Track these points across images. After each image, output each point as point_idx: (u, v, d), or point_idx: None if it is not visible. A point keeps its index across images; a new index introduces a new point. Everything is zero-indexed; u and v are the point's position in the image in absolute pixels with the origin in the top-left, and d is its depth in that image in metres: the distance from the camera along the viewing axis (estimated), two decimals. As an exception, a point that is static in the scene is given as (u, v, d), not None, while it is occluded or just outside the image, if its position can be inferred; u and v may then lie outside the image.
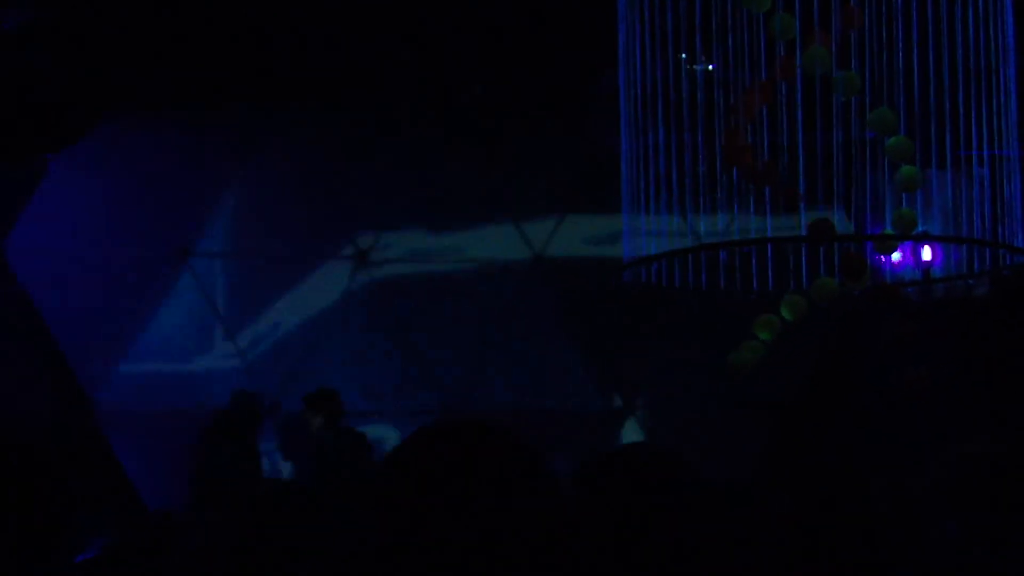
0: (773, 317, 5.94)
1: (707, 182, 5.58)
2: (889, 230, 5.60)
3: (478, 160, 10.44)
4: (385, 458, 2.10)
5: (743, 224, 5.63)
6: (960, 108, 5.37)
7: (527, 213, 10.77)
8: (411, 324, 10.52)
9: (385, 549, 2.01)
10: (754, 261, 5.65)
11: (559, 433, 9.62)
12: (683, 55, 5.49)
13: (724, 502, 2.33)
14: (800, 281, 5.74)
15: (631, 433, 10.61)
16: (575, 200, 10.63)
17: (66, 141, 8.67)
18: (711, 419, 9.76)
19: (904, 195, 5.54)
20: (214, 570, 3.15)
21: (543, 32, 8.97)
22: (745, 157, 5.49)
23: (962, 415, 8.12)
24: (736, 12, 5.38)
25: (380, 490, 2.04)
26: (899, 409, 7.74)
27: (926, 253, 8.00)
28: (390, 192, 10.56)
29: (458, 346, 10.57)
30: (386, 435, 9.67)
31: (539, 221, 10.74)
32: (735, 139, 5.51)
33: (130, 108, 9.47)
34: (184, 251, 10.50)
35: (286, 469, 9.41)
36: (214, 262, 10.65)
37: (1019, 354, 8.87)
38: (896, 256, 7.11)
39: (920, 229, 5.62)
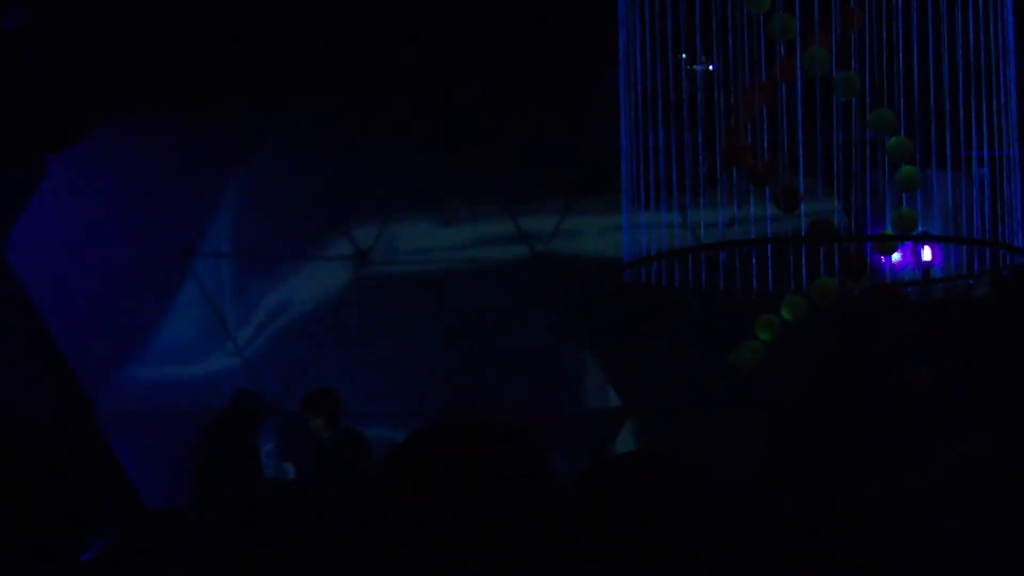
0: (773, 317, 5.94)
1: (707, 182, 5.58)
2: (889, 230, 5.60)
3: (478, 160, 10.44)
4: (385, 458, 2.10)
5: (743, 224, 5.63)
6: (960, 108, 5.37)
7: (527, 213, 10.76)
8: (411, 324, 10.52)
9: (385, 549, 2.01)
10: (754, 261, 5.64)
11: (559, 433, 9.63)
12: (683, 55, 5.49)
13: (724, 502, 2.33)
14: (800, 281, 5.74)
15: (631, 433, 10.61)
16: (575, 200, 10.63)
17: (66, 141, 8.67)
18: (711, 419, 9.75)
19: (904, 195, 5.54)
20: (214, 570, 3.15)
21: (543, 32, 8.97)
22: (745, 157, 5.49)
23: (962, 415, 8.12)
24: (736, 12, 5.38)
25: (380, 490, 2.03)
26: (899, 409, 7.74)
27: (926, 253, 8.00)
28: (390, 192, 10.56)
29: (458, 346, 10.56)
30: (386, 435, 9.66)
31: (539, 221, 10.74)
32: (735, 139, 5.51)
33: (130, 108, 9.47)
34: (184, 250, 10.50)
35: (286, 469, 9.41)
36: (214, 261, 10.65)
37: (1019, 354, 8.87)
38: (896, 256, 7.11)
39: (920, 229, 5.62)
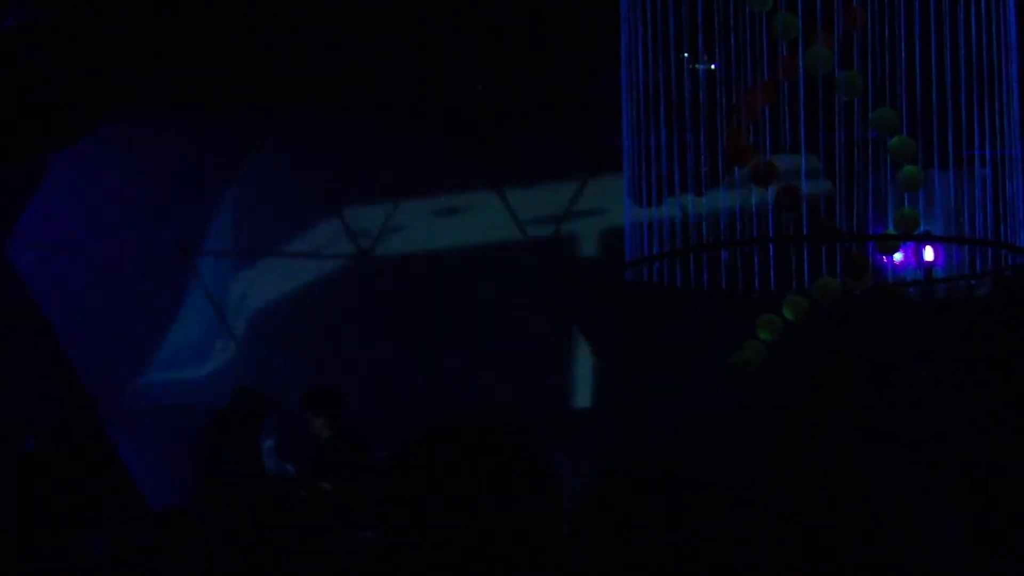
0: (775, 317, 5.94)
1: (709, 182, 5.57)
2: (891, 230, 5.60)
3: (478, 160, 10.44)
4: (385, 458, 2.09)
5: (745, 224, 5.62)
6: (962, 108, 5.36)
7: (528, 213, 10.76)
8: (411, 323, 10.52)
9: (385, 549, 2.00)
10: (756, 260, 5.64)
11: (559, 433, 9.63)
12: (685, 54, 5.48)
13: (724, 502, 2.33)
14: (802, 281, 5.73)
15: (631, 433, 10.60)
16: (575, 200, 10.63)
17: (66, 141, 8.67)
18: (712, 419, 9.75)
19: (906, 195, 5.54)
20: (214, 570, 3.14)
21: (543, 32, 8.97)
22: (747, 157, 5.49)
23: (964, 415, 8.12)
24: (738, 11, 5.37)
25: (380, 490, 2.03)
26: (900, 409, 7.74)
27: (928, 253, 8.00)
28: (390, 192, 10.57)
29: (459, 345, 10.57)
30: (385, 435, 9.66)
31: (539, 221, 10.74)
32: (737, 139, 5.50)
33: (130, 108, 9.47)
34: (185, 249, 10.50)
35: (287, 469, 9.40)
36: (215, 260, 10.66)
37: (1021, 354, 8.87)
38: (898, 256, 7.11)
39: (922, 229, 5.61)
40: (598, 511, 2.27)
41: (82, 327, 10.06)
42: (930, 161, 5.47)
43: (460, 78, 9.74)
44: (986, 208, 5.53)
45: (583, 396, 10.71)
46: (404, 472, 2.03)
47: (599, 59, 8.12)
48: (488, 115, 10.03)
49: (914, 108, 5.43)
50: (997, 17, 5.40)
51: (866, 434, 8.88)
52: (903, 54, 5.36)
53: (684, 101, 5.50)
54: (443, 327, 10.54)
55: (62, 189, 10.00)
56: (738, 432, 9.65)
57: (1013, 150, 5.51)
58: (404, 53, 9.22)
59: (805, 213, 5.49)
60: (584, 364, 10.68)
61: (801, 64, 5.40)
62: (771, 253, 5.64)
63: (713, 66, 5.56)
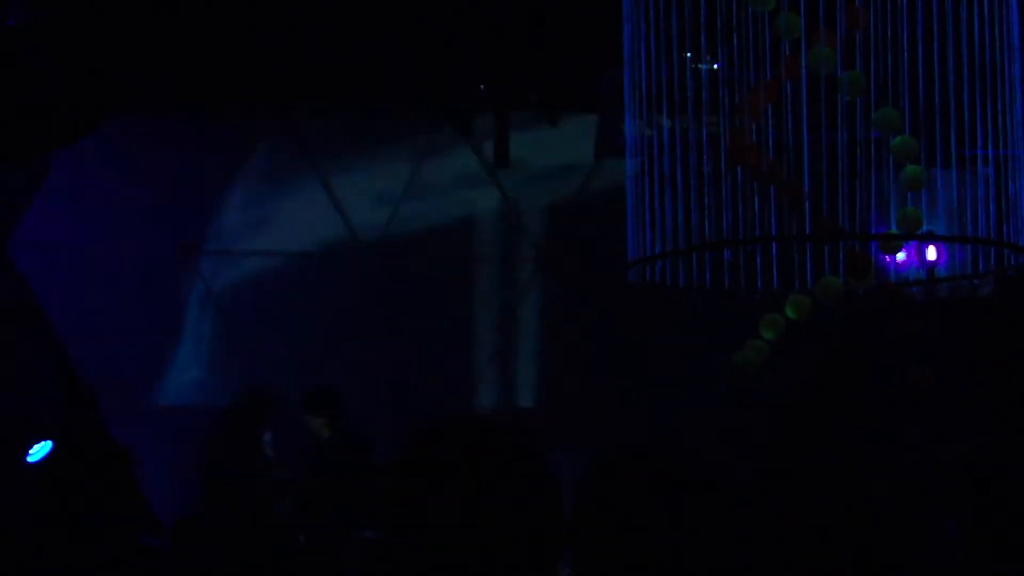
0: (778, 316, 5.93)
1: (712, 181, 5.57)
2: (894, 229, 5.59)
3: (478, 160, 10.44)
4: (385, 458, 2.09)
5: (747, 223, 5.62)
6: (965, 107, 5.36)
7: (528, 213, 10.76)
8: (412, 322, 10.51)
9: (385, 549, 2.00)
10: (759, 260, 5.63)
11: (559, 433, 9.61)
12: (688, 54, 5.47)
13: (724, 502, 2.32)
14: (805, 280, 5.72)
15: (630, 432, 10.59)
16: (576, 200, 10.62)
17: (66, 141, 8.66)
18: (714, 419, 9.73)
19: (909, 194, 5.53)
20: (214, 570, 3.14)
21: (543, 32, 8.96)
22: (750, 156, 5.48)
23: (965, 415, 8.10)
24: (741, 11, 5.37)
25: (380, 490, 2.02)
26: (902, 409, 7.73)
27: (931, 253, 7.98)
28: (390, 192, 10.56)
29: (459, 345, 10.56)
30: (385, 436, 9.64)
31: (540, 221, 10.73)
32: (740, 138, 5.50)
33: (130, 108, 9.46)
34: (186, 248, 10.50)
35: (286, 469, 9.39)
36: (215, 259, 10.65)
37: (1023, 354, 8.86)
38: (901, 256, 7.09)
39: (925, 228, 5.60)
40: (598, 511, 2.26)
41: (82, 327, 10.05)
42: (932, 161, 5.47)
43: (460, 78, 9.74)
44: (988, 208, 5.52)
45: (583, 396, 10.69)
46: (404, 472, 2.02)
47: (599, 59, 8.11)
48: (488, 115, 10.06)
49: (916, 108, 5.42)
50: (1000, 17, 5.39)
51: (868, 434, 8.87)
52: (906, 54, 5.36)
53: (687, 100, 5.50)
54: (444, 326, 10.54)
55: (62, 189, 9.99)
56: (738, 432, 9.64)
57: (1016, 150, 5.51)
58: (404, 53, 9.21)
59: (808, 213, 5.49)
60: (585, 364, 10.66)
61: (804, 64, 5.39)
62: (774, 253, 5.63)
63: (716, 65, 5.56)
